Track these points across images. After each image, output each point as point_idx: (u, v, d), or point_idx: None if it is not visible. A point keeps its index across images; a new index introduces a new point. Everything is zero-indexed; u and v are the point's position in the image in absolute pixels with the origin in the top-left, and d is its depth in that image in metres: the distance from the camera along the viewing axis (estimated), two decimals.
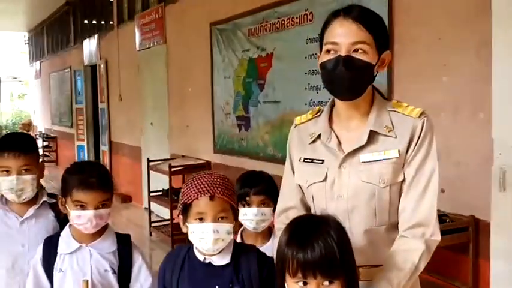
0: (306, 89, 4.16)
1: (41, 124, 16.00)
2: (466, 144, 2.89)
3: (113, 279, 1.91)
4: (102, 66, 9.64)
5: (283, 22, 4.42)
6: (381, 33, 1.54)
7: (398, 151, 1.51)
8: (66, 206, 1.89)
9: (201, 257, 1.63)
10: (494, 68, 2.47)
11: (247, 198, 2.09)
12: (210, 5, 5.70)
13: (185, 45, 6.36)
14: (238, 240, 2.12)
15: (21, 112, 23.71)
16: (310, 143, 1.63)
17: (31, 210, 2.10)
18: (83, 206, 1.84)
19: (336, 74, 1.50)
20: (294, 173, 1.68)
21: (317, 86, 4.03)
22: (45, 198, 2.15)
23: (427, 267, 3.09)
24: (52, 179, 11.80)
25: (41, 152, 13.65)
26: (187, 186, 1.61)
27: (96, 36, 9.93)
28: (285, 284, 1.29)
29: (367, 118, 1.56)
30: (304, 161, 1.63)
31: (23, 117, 21.59)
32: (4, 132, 20.51)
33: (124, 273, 1.93)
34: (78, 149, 11.27)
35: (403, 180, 1.52)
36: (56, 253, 1.91)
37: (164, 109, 6.99)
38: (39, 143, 14.26)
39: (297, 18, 4.24)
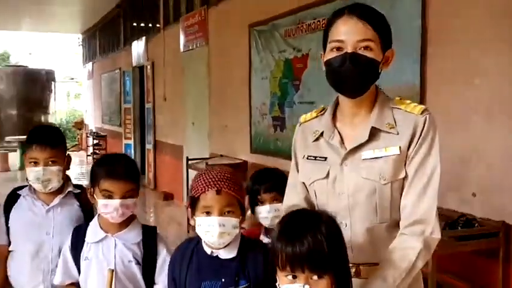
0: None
1: (92, 123, 16.52)
2: (499, 148, 2.80)
3: (136, 269, 1.95)
4: (149, 67, 9.89)
5: (318, 23, 4.42)
6: (385, 31, 1.55)
7: (400, 148, 1.50)
8: (95, 195, 1.96)
9: (208, 250, 1.66)
10: None
11: (259, 197, 2.10)
12: (249, 6, 5.76)
13: (225, 46, 6.44)
14: (266, 240, 2.13)
15: (75, 111, 24.55)
16: (314, 141, 1.64)
17: (57, 199, 2.19)
18: (110, 196, 1.90)
19: (343, 71, 1.50)
20: (298, 171, 1.69)
21: None
22: (70, 189, 2.23)
23: (455, 272, 3.04)
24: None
25: (91, 150, 14.24)
26: (196, 181, 1.65)
27: (144, 38, 10.18)
28: (277, 277, 1.31)
29: (370, 115, 1.56)
30: (307, 158, 1.64)
31: (76, 116, 22.35)
32: None
33: (149, 264, 1.97)
34: (125, 147, 11.59)
35: (405, 177, 1.51)
36: (83, 241, 1.98)
37: (205, 109, 7.09)
38: (90, 141, 14.76)
39: None
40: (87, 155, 14.87)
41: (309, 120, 1.71)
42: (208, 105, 7.00)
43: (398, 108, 1.56)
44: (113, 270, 1.87)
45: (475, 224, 2.75)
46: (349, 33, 1.49)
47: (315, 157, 1.61)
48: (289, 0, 4.85)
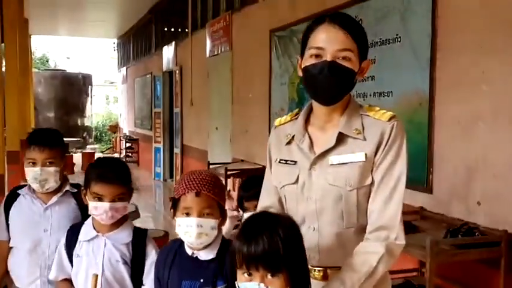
0: (354, 96, 4.12)
1: (126, 126, 16.85)
2: (504, 156, 2.76)
3: (123, 269, 2.02)
4: (177, 72, 10.06)
5: None
6: (363, 42, 1.57)
7: (365, 154, 1.52)
8: (86, 197, 2.04)
9: (189, 251, 1.72)
10: None
11: (243, 205, 2.14)
12: (271, 11, 5.81)
13: (248, 51, 6.51)
14: None
15: (112, 115, 25.08)
16: (286, 144, 1.67)
17: (55, 198, 2.28)
18: (100, 198, 1.98)
19: (320, 79, 1.52)
20: (271, 173, 1.73)
21: (364, 93, 4.00)
22: (68, 188, 2.32)
23: (456, 279, 3.01)
24: (133, 179, 12.45)
25: (123, 153, 14.49)
26: (178, 183, 1.71)
27: (173, 43, 10.36)
28: (236, 275, 1.36)
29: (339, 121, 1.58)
30: (279, 162, 1.67)
31: (112, 120, 22.84)
32: (94, 133, 21.87)
33: (137, 265, 2.03)
34: (155, 151, 11.79)
35: (372, 184, 1.53)
36: (77, 239, 2.07)
37: (228, 114, 7.18)
38: (123, 144, 15.07)
39: None
40: (120, 158, 15.18)
41: (283, 123, 1.73)
42: (231, 110, 7.09)
43: (367, 115, 1.57)
44: (97, 276, 1.95)
45: (476, 233, 2.72)
46: (329, 42, 1.51)
47: (286, 161, 1.64)
48: (307, 6, 4.88)
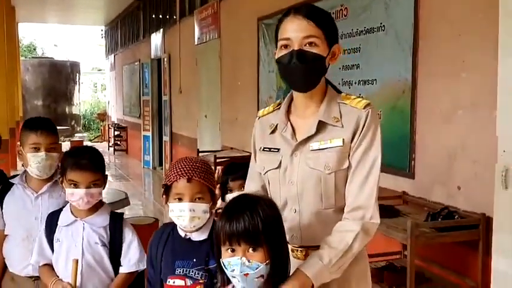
0: (339, 84, 4.20)
1: (114, 114, 16.83)
2: (482, 142, 2.85)
3: (102, 251, 2.12)
4: (165, 59, 10.07)
5: None
6: (330, 27, 1.65)
7: (343, 140, 1.62)
8: (63, 185, 2.13)
9: (182, 233, 1.81)
10: (500, 63, 2.44)
11: (228, 185, 2.23)
12: None
13: (236, 39, 6.55)
14: None
15: (100, 102, 24.96)
16: (270, 133, 1.76)
17: (45, 187, 2.35)
18: (75, 185, 2.08)
19: (291, 67, 1.62)
20: (256, 160, 1.82)
21: (350, 81, 4.08)
22: (58, 177, 2.39)
23: (437, 261, 3.12)
24: (122, 167, 12.49)
25: (112, 141, 14.48)
26: (169, 170, 1.79)
27: (161, 30, 10.36)
28: (222, 254, 1.46)
29: (319, 109, 1.67)
30: (263, 150, 1.76)
31: (101, 108, 22.75)
32: (82, 121, 21.80)
33: (115, 247, 2.14)
34: (144, 139, 11.82)
35: (349, 167, 1.63)
36: (56, 225, 2.16)
37: (217, 102, 7.23)
38: (112, 132, 15.06)
39: (333, 13, 4.29)
40: (109, 146, 15.19)
41: (266, 114, 1.82)
42: (220, 98, 7.14)
43: (344, 103, 1.66)
44: (77, 260, 2.04)
45: (455, 216, 2.82)
46: (294, 31, 1.61)
47: (270, 149, 1.73)
48: None
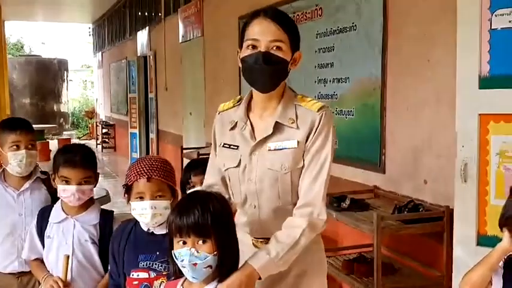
0: (315, 82, 4.31)
1: (103, 112, 16.84)
2: (446, 138, 2.96)
3: (92, 248, 2.19)
4: (151, 57, 10.12)
5: (297, 16, 4.58)
6: (295, 34, 1.75)
7: (298, 141, 1.71)
8: (55, 181, 2.20)
9: (145, 228, 1.91)
10: (458, 62, 2.56)
11: (190, 181, 2.33)
12: None
13: (218, 37, 6.63)
14: None
15: (88, 100, 24.89)
16: (230, 129, 1.84)
17: (26, 184, 2.44)
18: (67, 182, 2.14)
19: (256, 68, 1.69)
20: (216, 155, 1.91)
21: (325, 79, 4.18)
22: (38, 174, 2.49)
23: (404, 252, 3.24)
24: (110, 164, 12.53)
25: (100, 139, 14.49)
26: (129, 170, 1.88)
27: (147, 28, 10.41)
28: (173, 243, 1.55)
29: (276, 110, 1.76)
30: (223, 146, 1.85)
31: (89, 105, 22.71)
32: (71, 119, 21.77)
33: (104, 244, 2.18)
34: (131, 136, 11.86)
35: (303, 166, 1.72)
36: (47, 222, 2.23)
37: (201, 99, 7.31)
38: (99, 130, 15.09)
39: (308, 13, 4.40)
40: (97, 144, 15.22)
41: (227, 109, 1.90)
42: (204, 95, 7.22)
43: (300, 105, 1.76)
44: (68, 256, 2.11)
45: (420, 209, 2.94)
46: (263, 33, 1.69)
47: (230, 145, 1.82)
48: None
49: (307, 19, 4.42)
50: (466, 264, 2.54)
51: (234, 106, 1.88)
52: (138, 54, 11.18)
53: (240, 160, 1.78)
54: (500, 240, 1.67)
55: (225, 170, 1.84)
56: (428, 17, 3.12)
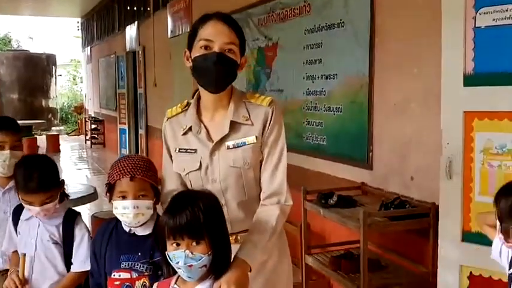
0: (303, 78, 4.32)
1: (92, 107, 16.75)
2: (432, 134, 2.98)
3: (54, 248, 2.17)
4: (140, 52, 10.07)
5: (286, 13, 4.59)
6: (243, 39, 1.83)
7: (256, 137, 1.79)
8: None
9: (126, 229, 1.90)
10: (443, 58, 2.57)
11: None
12: None
13: None
14: None
15: (77, 95, 24.73)
16: (183, 134, 1.87)
17: (12, 183, 2.42)
18: (30, 203, 2.10)
19: (210, 68, 1.74)
20: (172, 161, 1.92)
21: (313, 75, 4.19)
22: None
23: (391, 248, 3.26)
24: (99, 160, 12.47)
25: (89, 135, 14.40)
26: (112, 169, 1.87)
27: (136, 23, 10.35)
28: (166, 248, 1.56)
29: (227, 110, 1.81)
30: (179, 151, 1.87)
31: (78, 100, 22.57)
32: (60, 114, 21.63)
33: (67, 245, 2.18)
34: (120, 132, 11.83)
35: (262, 159, 1.81)
36: (19, 218, 2.24)
37: (190, 95, 7.26)
38: (88, 125, 15.01)
39: (297, 9, 4.40)
40: (86, 140, 15.14)
41: (175, 115, 1.94)
42: (193, 92, 7.18)
43: (250, 102, 1.83)
44: (24, 255, 2.11)
45: (407, 206, 2.96)
46: (217, 35, 1.75)
47: (186, 149, 1.85)
48: None
49: (296, 15, 4.42)
50: (451, 260, 2.60)
51: (182, 111, 1.93)
52: (127, 50, 11.11)
53: (201, 162, 1.82)
54: (483, 237, 1.71)
55: (186, 174, 1.86)
56: (415, 15, 3.13)
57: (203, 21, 1.79)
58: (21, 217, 2.23)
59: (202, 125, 1.84)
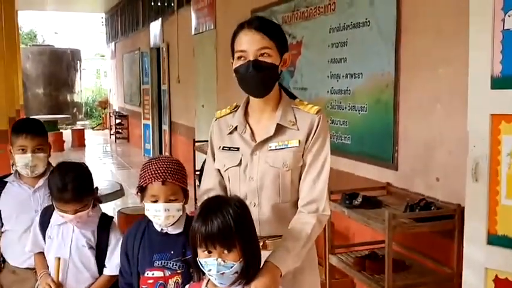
0: (328, 76, 4.32)
1: (116, 102, 16.93)
2: (458, 135, 2.96)
3: (89, 253, 2.23)
4: (164, 48, 10.15)
5: (310, 11, 4.59)
6: (280, 38, 1.85)
7: (299, 141, 1.83)
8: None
9: (158, 228, 1.95)
10: (470, 60, 2.55)
11: None
12: None
13: (231, 30, 6.56)
14: None
15: (102, 90, 25.00)
16: (229, 134, 1.93)
17: (41, 181, 2.50)
18: (64, 211, 2.15)
19: (248, 76, 1.81)
20: (214, 159, 1.97)
21: (337, 74, 4.19)
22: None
23: (416, 249, 3.26)
24: (123, 155, 12.61)
25: (113, 129, 14.57)
26: (143, 171, 1.91)
27: (160, 19, 10.43)
28: (198, 254, 1.58)
29: (275, 113, 1.86)
30: (223, 149, 1.93)
31: (102, 95, 22.83)
32: (84, 108, 21.92)
33: (101, 249, 2.24)
34: (144, 127, 11.95)
35: (303, 166, 1.83)
36: (49, 222, 2.28)
37: (213, 92, 7.34)
38: (113, 120, 15.20)
39: (321, 7, 4.40)
40: (110, 134, 15.33)
41: (224, 116, 2.00)
42: (216, 88, 7.25)
43: (298, 108, 1.87)
44: (59, 259, 2.16)
45: (432, 207, 2.95)
46: (249, 44, 1.80)
47: (229, 148, 1.91)
48: None
49: (320, 13, 4.42)
50: (476, 263, 2.59)
51: (231, 112, 1.99)
52: (151, 46, 11.21)
53: (241, 159, 1.87)
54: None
55: (225, 170, 1.91)
56: (443, 14, 3.11)
57: (236, 33, 1.86)
58: (52, 221, 2.27)
59: (247, 126, 1.90)
